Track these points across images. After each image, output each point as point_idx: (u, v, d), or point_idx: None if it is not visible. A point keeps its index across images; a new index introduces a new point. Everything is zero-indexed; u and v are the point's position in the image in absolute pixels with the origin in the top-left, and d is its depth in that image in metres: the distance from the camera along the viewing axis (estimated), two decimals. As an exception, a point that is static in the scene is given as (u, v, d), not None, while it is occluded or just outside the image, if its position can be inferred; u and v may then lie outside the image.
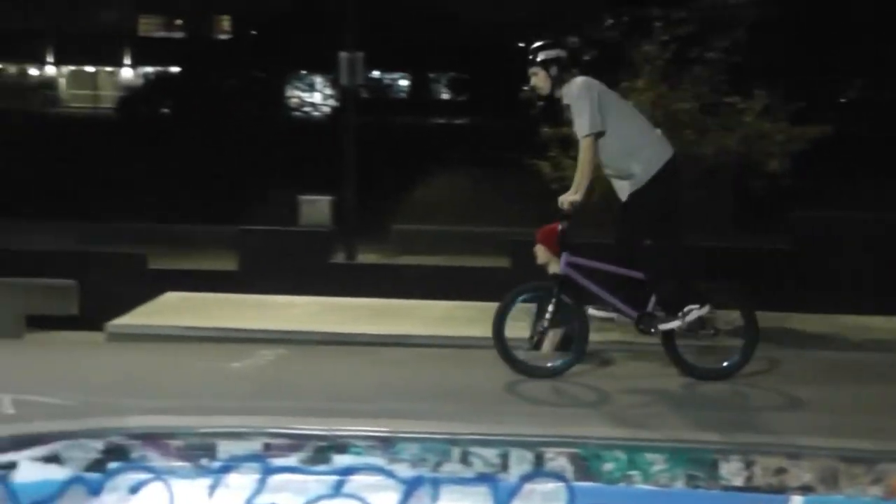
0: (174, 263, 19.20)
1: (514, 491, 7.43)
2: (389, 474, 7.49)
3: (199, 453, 7.59)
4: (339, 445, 7.56)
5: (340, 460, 7.53)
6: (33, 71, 69.25)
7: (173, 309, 14.30)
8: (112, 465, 7.51)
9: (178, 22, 68.42)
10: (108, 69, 69.57)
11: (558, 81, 9.52)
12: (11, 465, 7.35)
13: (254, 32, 55.97)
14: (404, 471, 7.51)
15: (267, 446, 7.59)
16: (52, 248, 20.84)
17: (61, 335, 15.27)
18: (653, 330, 9.42)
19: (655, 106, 12.19)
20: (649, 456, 7.50)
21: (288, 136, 37.16)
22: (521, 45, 49.25)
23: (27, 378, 9.46)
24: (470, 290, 14.59)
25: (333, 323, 13.25)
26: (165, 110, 48.17)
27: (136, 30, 68.65)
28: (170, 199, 28.84)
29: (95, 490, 7.44)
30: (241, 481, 7.53)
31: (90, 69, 70.46)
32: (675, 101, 12.37)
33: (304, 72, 50.66)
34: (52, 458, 7.44)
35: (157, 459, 7.56)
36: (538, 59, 9.58)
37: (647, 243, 9.37)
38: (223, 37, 64.75)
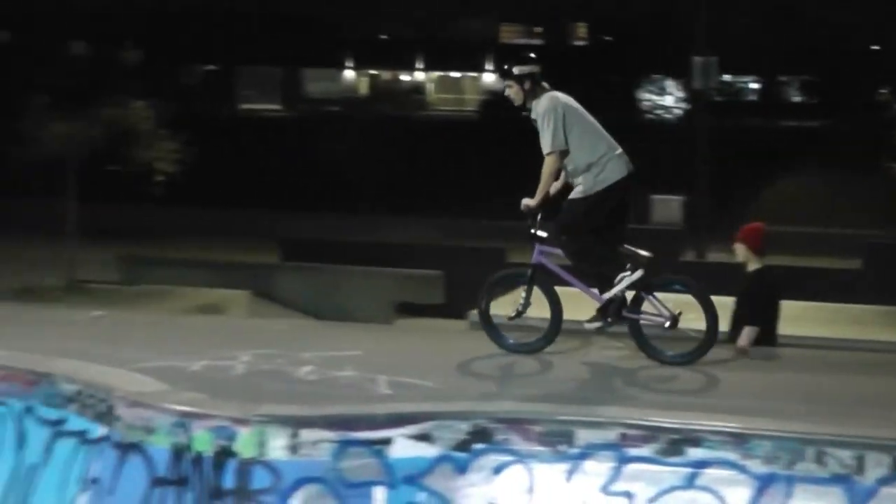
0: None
1: (870, 493, 7.10)
2: (742, 469, 7.32)
3: (557, 439, 7.62)
4: (693, 439, 7.43)
5: (694, 453, 7.41)
6: (405, 77, 71.58)
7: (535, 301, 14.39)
8: (477, 445, 7.63)
9: (537, 29, 69.21)
10: (472, 75, 71.10)
11: (531, 95, 9.74)
12: (387, 441, 7.58)
13: (608, 38, 56.04)
14: (757, 467, 7.32)
15: (623, 436, 7.55)
16: (420, 242, 21.42)
17: (427, 322, 15.67)
18: (609, 319, 9.64)
19: None
20: None
21: (640, 137, 36.88)
22: (874, 47, 47.45)
23: (399, 361, 9.74)
24: (821, 290, 14.10)
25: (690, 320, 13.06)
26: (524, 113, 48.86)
27: (497, 37, 69.87)
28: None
29: (462, 468, 7.59)
30: (597, 468, 7.51)
31: (455, 75, 72.22)
32: None
33: (656, 76, 50.35)
34: (423, 437, 7.63)
35: (518, 443, 7.64)
36: (514, 74, 9.74)
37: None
38: (579, 43, 65.14)
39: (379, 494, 7.56)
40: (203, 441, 7.73)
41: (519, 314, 9.82)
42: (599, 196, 9.52)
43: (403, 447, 7.61)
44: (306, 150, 36.23)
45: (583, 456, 7.57)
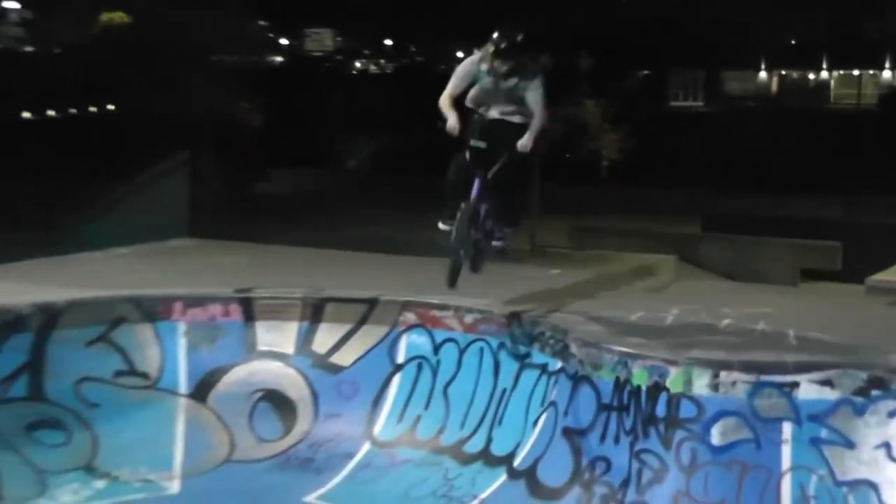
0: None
1: None
2: None
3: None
4: None
5: None
6: (811, 75, 68.60)
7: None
8: (874, 392, 7.27)
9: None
10: (870, 72, 67.04)
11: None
12: (795, 385, 7.37)
13: None
14: None
15: None
16: (822, 217, 20.65)
17: (827, 286, 15.04)
18: None
19: None
20: None
21: None
22: None
23: (804, 318, 9.45)
24: None
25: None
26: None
27: (899, 35, 65.40)
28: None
29: (860, 411, 7.25)
30: None
31: (855, 72, 68.36)
32: None
33: None
34: (826, 382, 7.34)
35: (912, 392, 7.23)
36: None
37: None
38: None
39: (787, 429, 7.36)
40: (640, 377, 7.81)
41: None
42: None
43: (809, 390, 7.36)
44: (725, 140, 35.64)
45: None
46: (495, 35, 8.90)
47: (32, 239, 13.75)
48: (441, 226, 9.19)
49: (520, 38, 8.92)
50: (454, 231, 8.89)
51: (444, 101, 9.01)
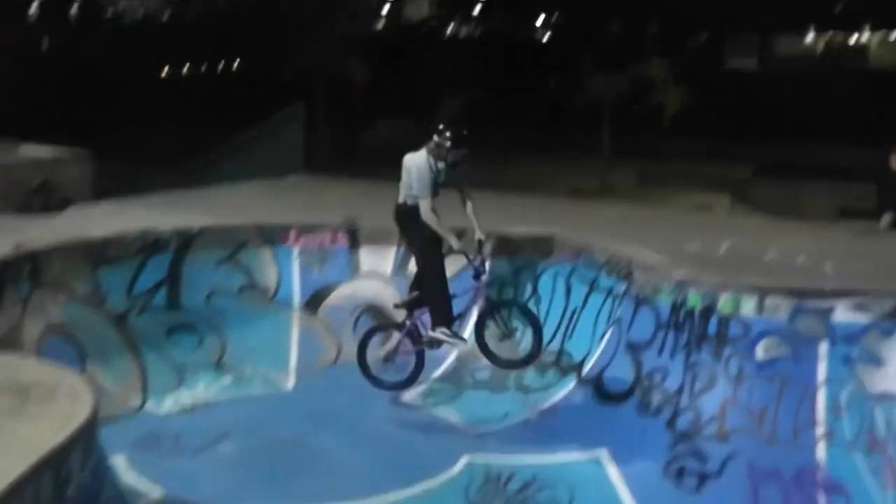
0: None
1: None
2: None
3: None
4: None
5: None
6: (853, 38, 66.31)
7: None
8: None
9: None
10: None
11: None
12: (831, 309, 7.24)
13: None
14: None
15: None
16: (858, 162, 20.08)
17: (861, 223, 14.65)
18: None
19: None
20: None
21: None
22: None
23: (839, 252, 9.23)
24: None
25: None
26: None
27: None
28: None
29: (888, 333, 7.15)
30: None
31: (893, 36, 65.78)
32: None
33: None
34: (859, 307, 7.21)
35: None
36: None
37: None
38: None
39: (823, 347, 7.26)
40: (695, 300, 7.75)
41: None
42: None
43: (843, 314, 7.23)
44: (774, 96, 34.68)
45: None
46: (441, 127, 8.03)
47: (173, 176, 14.01)
48: (448, 336, 8.26)
49: (465, 130, 8.02)
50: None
51: (434, 218, 7.89)
